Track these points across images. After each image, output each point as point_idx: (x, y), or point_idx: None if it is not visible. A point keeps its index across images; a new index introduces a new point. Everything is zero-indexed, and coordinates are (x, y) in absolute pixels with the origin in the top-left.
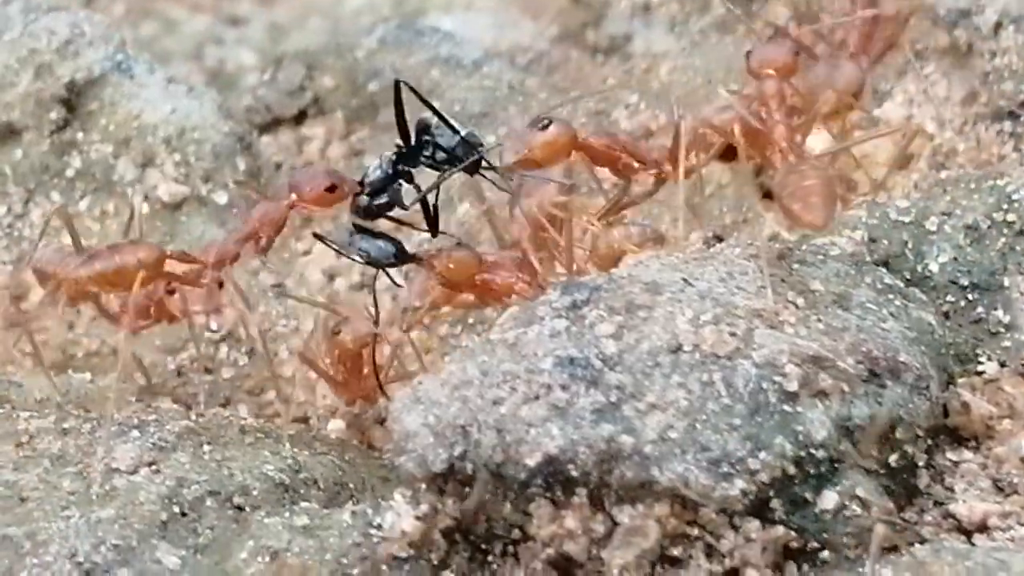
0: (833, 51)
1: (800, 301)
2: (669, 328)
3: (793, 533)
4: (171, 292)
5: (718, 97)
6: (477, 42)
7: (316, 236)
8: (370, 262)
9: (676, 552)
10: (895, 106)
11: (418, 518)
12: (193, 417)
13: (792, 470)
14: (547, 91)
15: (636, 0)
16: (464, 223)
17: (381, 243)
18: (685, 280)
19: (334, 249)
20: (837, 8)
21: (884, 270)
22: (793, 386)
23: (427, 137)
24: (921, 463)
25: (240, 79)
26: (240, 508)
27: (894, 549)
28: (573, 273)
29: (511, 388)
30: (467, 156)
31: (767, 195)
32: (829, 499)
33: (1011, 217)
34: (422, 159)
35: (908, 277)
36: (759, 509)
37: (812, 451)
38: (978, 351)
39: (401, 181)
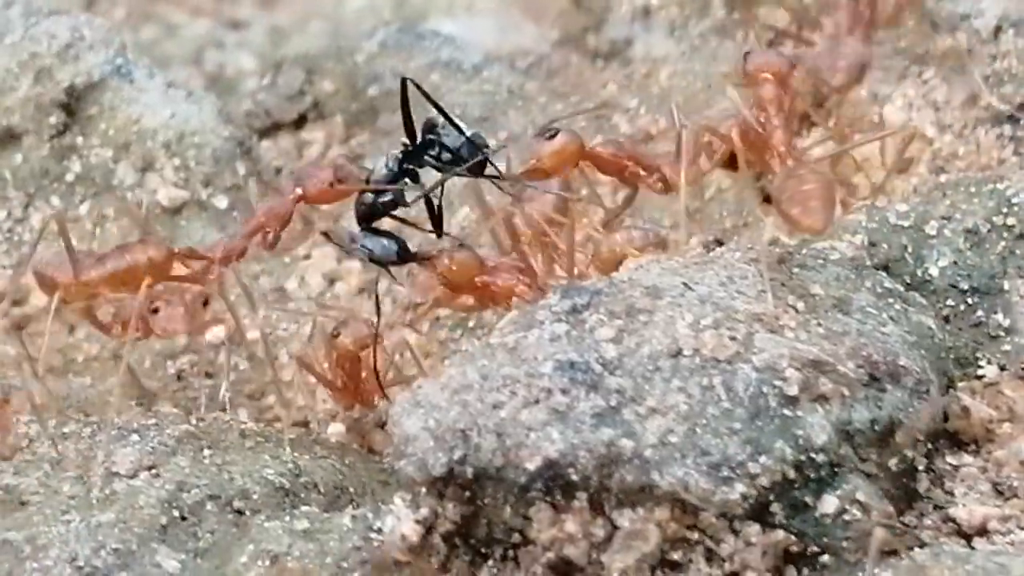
0: (831, 34)
1: (800, 305)
2: (669, 332)
3: (793, 537)
4: (155, 311)
5: (722, 98)
6: (478, 46)
7: (322, 234)
8: (373, 260)
9: (676, 556)
10: (895, 110)
11: (418, 522)
12: (193, 421)
13: (792, 474)
14: (547, 95)
15: (636, 4)
16: (464, 227)
17: (384, 241)
18: (685, 284)
19: (338, 247)
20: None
21: (884, 274)
22: (793, 390)
23: (433, 136)
24: (921, 467)
25: (240, 83)
26: (240, 512)
27: (894, 553)
28: (574, 277)
29: (511, 392)
30: (472, 157)
31: (767, 199)
32: (829, 503)
33: (1011, 221)
34: (427, 158)
35: (908, 281)
36: (759, 513)
37: (812, 455)
38: (978, 355)
39: (407, 179)
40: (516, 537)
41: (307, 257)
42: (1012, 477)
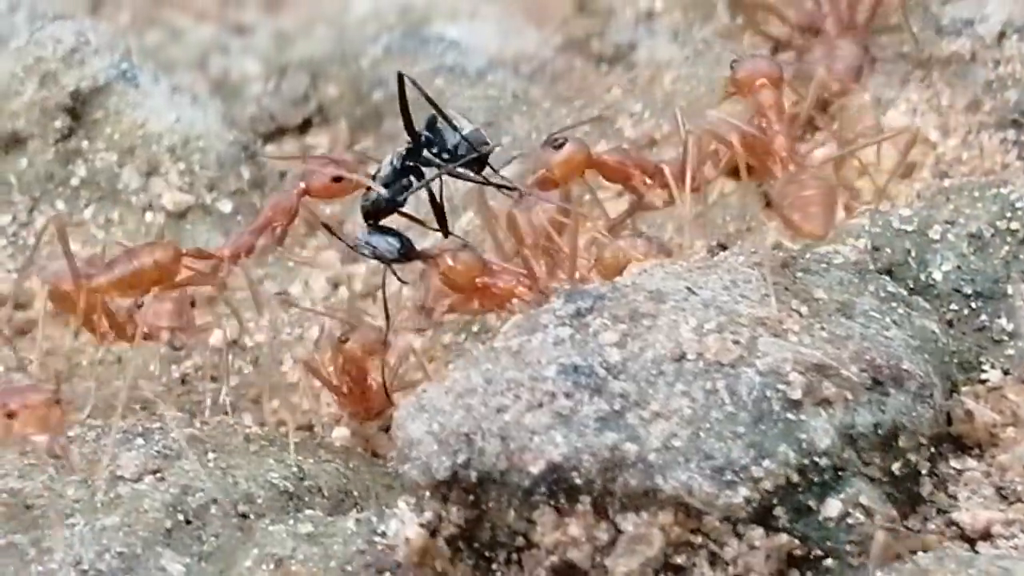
0: (826, 35)
1: (804, 309)
2: (673, 336)
3: (796, 541)
4: (139, 305)
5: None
6: (482, 51)
7: (325, 227)
8: (377, 257)
9: (680, 560)
10: (899, 114)
11: (422, 526)
12: (197, 425)
13: (796, 478)
14: (551, 100)
15: (640, 9)
16: (468, 232)
17: (389, 239)
18: (689, 288)
19: (344, 243)
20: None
21: (887, 278)
22: (797, 394)
23: (433, 134)
24: (924, 471)
25: (245, 88)
26: (245, 516)
27: (897, 557)
28: (576, 281)
29: (515, 396)
30: (470, 154)
31: (770, 204)
32: (833, 507)
33: (1014, 225)
34: (428, 156)
35: (911, 285)
36: (763, 517)
37: (816, 459)
38: (981, 359)
39: (411, 177)
40: (520, 541)
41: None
42: (1016, 481)
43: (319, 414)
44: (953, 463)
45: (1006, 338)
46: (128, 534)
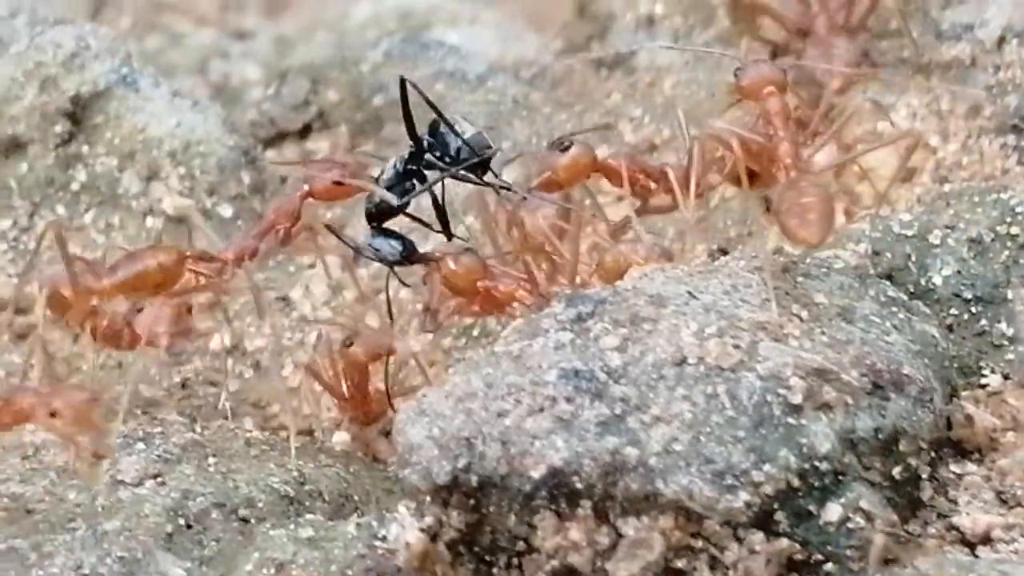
0: (817, 35)
1: (804, 314)
2: (674, 341)
3: (797, 545)
4: (139, 310)
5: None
6: (482, 56)
7: (328, 228)
8: (380, 260)
9: (680, 564)
10: (899, 119)
11: (422, 530)
12: (198, 429)
13: (796, 482)
14: (551, 105)
15: (640, 14)
16: (469, 237)
17: (392, 241)
18: (690, 293)
19: (348, 245)
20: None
21: (888, 283)
22: (797, 399)
23: (435, 138)
24: (925, 475)
25: (245, 93)
26: (245, 520)
27: (897, 561)
28: (577, 285)
29: (516, 400)
30: (471, 158)
31: (770, 209)
32: (833, 511)
33: (1014, 230)
34: (430, 160)
35: (912, 290)
36: (763, 521)
37: (816, 463)
38: (981, 364)
39: (414, 180)
40: (520, 545)
41: (312, 266)
42: (1016, 486)
43: (320, 418)
44: (953, 467)
45: (1006, 343)
46: (129, 538)
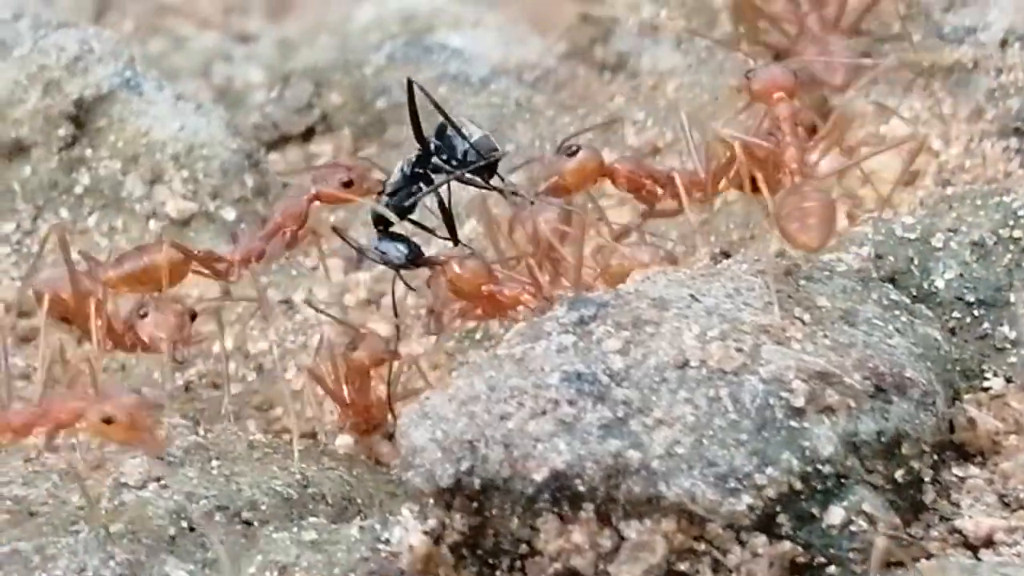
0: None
1: (807, 317)
2: (676, 344)
3: (800, 548)
4: (143, 316)
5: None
6: (485, 59)
7: (334, 230)
8: (386, 263)
9: (683, 567)
10: (901, 123)
11: (425, 533)
12: (201, 432)
13: (799, 485)
14: (554, 108)
15: (643, 17)
16: (472, 239)
17: (398, 245)
18: (692, 296)
19: (353, 248)
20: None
21: (890, 286)
22: (800, 402)
23: (442, 141)
24: (927, 478)
25: (248, 96)
26: (248, 523)
27: (899, 564)
28: (580, 288)
29: (518, 403)
30: (478, 161)
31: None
32: (836, 514)
33: (1017, 233)
34: (437, 162)
35: (914, 293)
36: (766, 524)
37: (819, 466)
38: (984, 367)
39: (421, 184)
40: (523, 548)
41: (315, 269)
42: (1018, 489)
43: (322, 421)
44: (956, 471)
45: (1009, 346)
46: (132, 541)
